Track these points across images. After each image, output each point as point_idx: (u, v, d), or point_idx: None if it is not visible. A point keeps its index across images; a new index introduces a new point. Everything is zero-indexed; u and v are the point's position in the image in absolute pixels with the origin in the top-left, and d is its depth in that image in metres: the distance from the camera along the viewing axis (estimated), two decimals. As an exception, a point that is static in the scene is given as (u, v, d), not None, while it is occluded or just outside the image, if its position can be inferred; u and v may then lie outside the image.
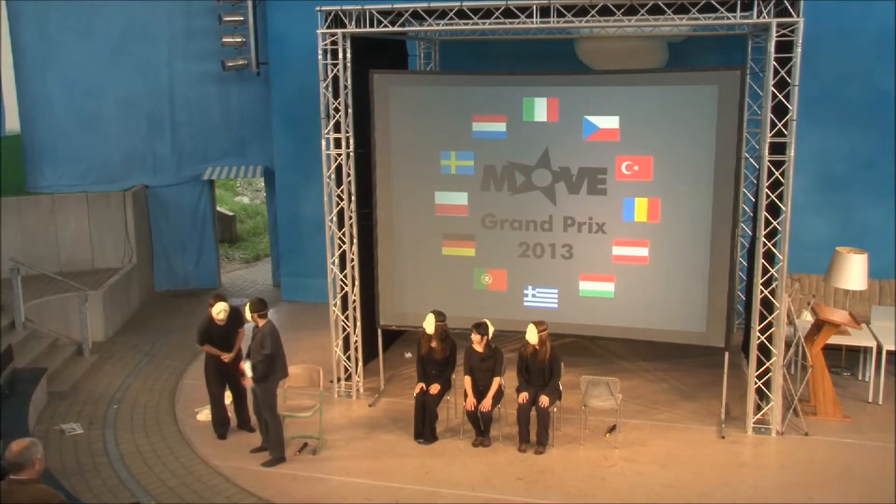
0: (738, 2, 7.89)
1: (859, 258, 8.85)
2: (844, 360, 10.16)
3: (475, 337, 8.34)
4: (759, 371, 8.48)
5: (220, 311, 8.42)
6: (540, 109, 8.86)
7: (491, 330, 8.52)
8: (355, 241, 9.51)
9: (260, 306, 8.03)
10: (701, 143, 8.44)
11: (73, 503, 6.53)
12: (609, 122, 8.70)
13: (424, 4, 8.61)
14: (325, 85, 9.08)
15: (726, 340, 8.71)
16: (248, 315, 8.03)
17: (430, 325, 8.48)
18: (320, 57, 9.01)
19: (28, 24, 13.09)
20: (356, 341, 9.63)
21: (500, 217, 9.22)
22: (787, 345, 8.83)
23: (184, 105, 13.68)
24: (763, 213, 8.15)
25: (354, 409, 9.33)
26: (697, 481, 7.68)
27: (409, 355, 10.72)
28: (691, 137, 8.49)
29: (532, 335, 8.22)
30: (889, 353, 9.33)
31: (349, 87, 9.11)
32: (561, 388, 8.47)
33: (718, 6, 7.96)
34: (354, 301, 9.56)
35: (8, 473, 4.84)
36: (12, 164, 13.06)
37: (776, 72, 7.90)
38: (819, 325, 8.96)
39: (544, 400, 8.13)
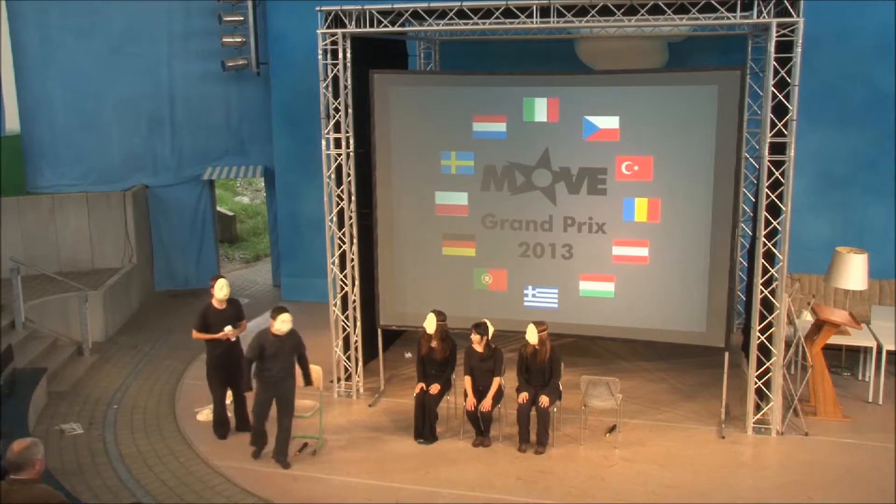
0: (738, 2, 7.88)
1: (859, 258, 8.85)
2: (844, 360, 10.16)
3: (475, 337, 8.34)
4: (759, 371, 8.48)
5: (221, 286, 8.36)
6: (540, 109, 8.86)
7: (491, 330, 8.52)
8: (355, 241, 9.51)
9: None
10: (701, 143, 8.44)
11: (73, 503, 6.53)
12: (609, 122, 8.70)
13: (424, 4, 8.61)
14: (325, 85, 9.08)
15: (726, 340, 8.71)
16: (286, 324, 7.78)
17: (431, 324, 8.48)
18: (320, 57, 9.01)
19: (28, 24, 13.08)
20: (356, 341, 9.63)
21: (501, 217, 9.22)
22: (787, 345, 8.83)
23: (184, 105, 13.67)
24: (763, 213, 8.15)
25: (354, 409, 9.33)
26: (697, 481, 7.68)
27: (409, 355, 10.72)
28: (691, 137, 8.49)
29: (532, 335, 8.21)
30: (889, 353, 9.33)
31: (349, 87, 9.11)
32: (561, 388, 8.47)
33: (718, 6, 7.96)
34: (354, 301, 9.56)
35: (8, 473, 4.85)
36: (12, 164, 13.06)
37: (776, 72, 7.90)
38: (819, 325, 8.95)
39: (544, 400, 8.13)
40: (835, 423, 8.77)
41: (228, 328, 8.33)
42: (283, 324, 7.80)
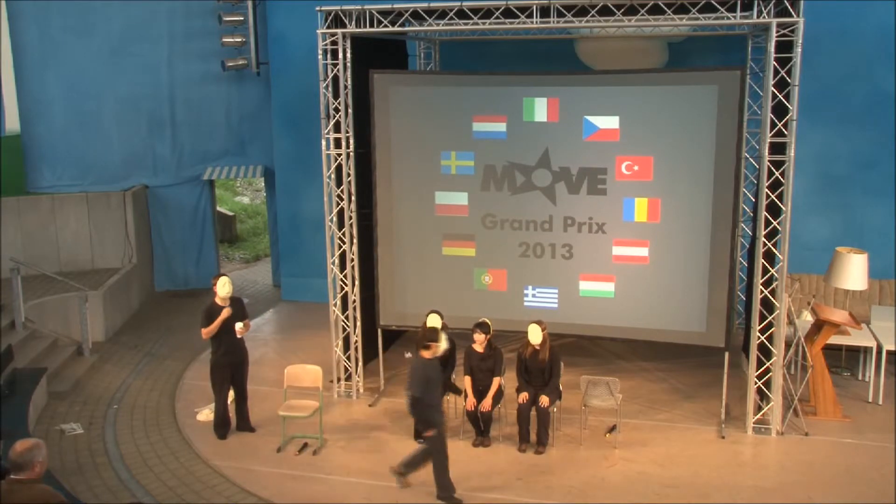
0: (738, 2, 7.89)
1: (859, 258, 8.85)
2: (844, 360, 10.16)
3: (477, 336, 8.32)
4: (759, 371, 8.48)
5: (224, 283, 8.34)
6: (540, 109, 8.86)
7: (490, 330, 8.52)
8: (355, 241, 9.51)
9: None
10: (701, 143, 8.44)
11: (73, 503, 6.53)
12: (609, 122, 8.71)
13: (424, 4, 8.61)
14: (325, 85, 9.08)
15: (726, 340, 8.71)
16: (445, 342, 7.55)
17: (435, 324, 8.43)
18: (320, 57, 9.01)
19: (28, 24, 13.09)
20: (356, 341, 9.63)
21: (501, 217, 9.22)
22: (787, 345, 8.83)
23: (184, 105, 13.68)
24: (763, 213, 8.15)
25: (354, 409, 9.33)
26: (697, 481, 7.68)
27: (409, 355, 10.71)
28: (691, 137, 8.49)
29: (535, 335, 8.19)
30: (889, 353, 9.33)
31: (349, 87, 9.11)
32: (561, 388, 8.47)
33: (718, 6, 7.96)
34: (354, 301, 9.56)
35: (9, 473, 4.85)
36: (12, 164, 13.06)
37: (776, 72, 7.90)
38: (819, 325, 8.96)
39: (544, 400, 8.13)
40: (835, 423, 8.77)
41: (239, 325, 8.33)
42: (445, 342, 7.57)
